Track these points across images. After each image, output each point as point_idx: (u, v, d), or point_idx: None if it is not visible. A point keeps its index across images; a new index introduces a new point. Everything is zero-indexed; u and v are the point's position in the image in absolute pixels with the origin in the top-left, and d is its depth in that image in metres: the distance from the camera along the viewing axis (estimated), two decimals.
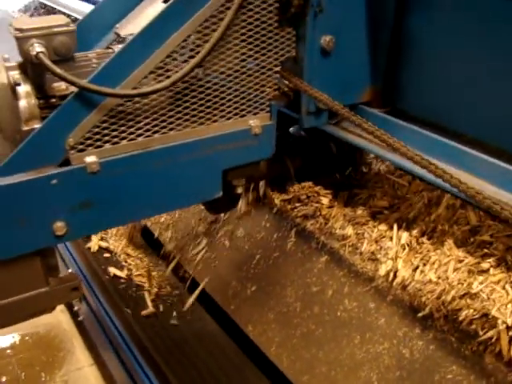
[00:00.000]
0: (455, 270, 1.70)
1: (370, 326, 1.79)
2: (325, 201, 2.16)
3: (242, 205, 2.30)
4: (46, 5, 5.09)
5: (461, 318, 1.59)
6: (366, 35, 1.76)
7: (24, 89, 1.45)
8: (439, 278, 1.71)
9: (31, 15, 5.16)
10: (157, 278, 2.76)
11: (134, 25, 1.98)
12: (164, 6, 1.58)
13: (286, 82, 1.70)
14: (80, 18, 3.67)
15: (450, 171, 1.43)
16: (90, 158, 1.45)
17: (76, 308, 2.90)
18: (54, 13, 4.79)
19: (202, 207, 2.29)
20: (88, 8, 3.87)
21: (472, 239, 1.77)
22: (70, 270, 2.74)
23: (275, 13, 1.60)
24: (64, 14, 4.28)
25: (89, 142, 1.44)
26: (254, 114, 1.69)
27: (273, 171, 2.02)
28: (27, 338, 2.97)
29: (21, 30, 1.39)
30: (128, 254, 2.91)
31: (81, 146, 1.44)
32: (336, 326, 1.86)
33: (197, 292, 2.40)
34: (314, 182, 2.27)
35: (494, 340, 1.52)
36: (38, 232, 1.45)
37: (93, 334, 2.75)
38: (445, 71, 1.72)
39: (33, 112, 1.45)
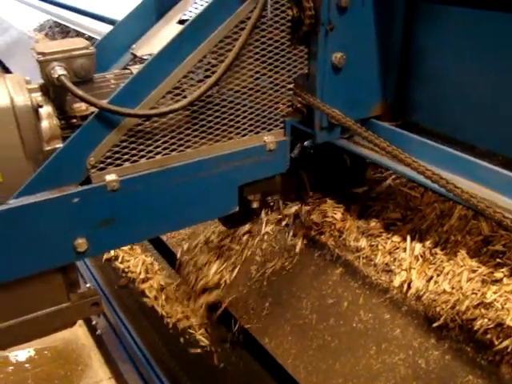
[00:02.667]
0: (469, 279, 1.71)
1: (386, 336, 1.80)
2: (338, 215, 2.18)
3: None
4: (60, 24, 5.18)
5: (476, 328, 1.60)
6: (377, 51, 1.80)
7: (46, 110, 1.50)
8: (453, 288, 1.72)
9: (46, 34, 5.26)
10: (171, 290, 2.78)
11: (149, 45, 2.03)
12: (179, 27, 1.63)
13: (299, 99, 1.74)
14: (94, 36, 3.77)
15: (461, 184, 1.46)
16: (111, 177, 1.49)
17: (94, 322, 2.94)
18: (68, 31, 4.88)
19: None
20: (102, 27, 3.95)
21: (485, 249, 1.78)
22: (88, 285, 2.78)
23: (287, 32, 1.64)
24: (78, 32, 4.36)
25: (109, 160, 1.49)
26: (269, 130, 1.73)
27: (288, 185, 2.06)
28: (45, 352, 3.00)
29: (43, 54, 1.45)
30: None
31: (101, 165, 1.48)
32: (352, 338, 1.88)
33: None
34: (323, 197, 2.29)
35: (509, 350, 1.52)
36: (60, 249, 1.49)
37: (111, 347, 2.78)
38: (454, 84, 1.75)
39: (54, 132, 1.50)
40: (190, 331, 2.45)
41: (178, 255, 2.68)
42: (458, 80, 1.74)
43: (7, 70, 5.13)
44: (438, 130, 1.83)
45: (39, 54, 1.45)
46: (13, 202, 1.38)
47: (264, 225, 2.34)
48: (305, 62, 1.73)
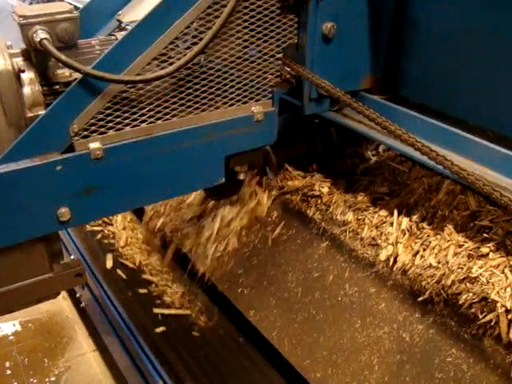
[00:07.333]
0: (455, 254, 1.71)
1: (371, 310, 1.81)
2: (325, 189, 2.17)
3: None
4: None
5: (460, 302, 1.61)
6: (368, 22, 1.77)
7: (28, 75, 1.46)
8: (439, 262, 1.72)
9: (30, 3, 5.13)
10: (156, 263, 2.78)
11: (135, 12, 1.99)
12: None
13: (288, 69, 1.71)
14: (79, 5, 3.68)
15: (450, 158, 1.45)
16: (94, 144, 1.46)
17: (78, 294, 2.93)
18: (54, 1, 4.77)
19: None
20: None
21: (472, 224, 1.78)
22: (72, 257, 2.76)
23: (277, 0, 1.61)
24: (63, 1, 4.26)
25: (93, 128, 1.46)
26: (257, 100, 1.71)
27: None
28: (30, 324, 2.99)
29: (24, 17, 1.40)
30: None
31: (85, 133, 1.45)
32: (337, 311, 1.88)
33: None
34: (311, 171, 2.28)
35: (493, 323, 1.53)
36: (43, 218, 1.47)
37: (95, 320, 2.78)
38: (446, 58, 1.73)
39: (37, 98, 1.46)
40: (175, 304, 2.46)
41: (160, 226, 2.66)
42: (449, 54, 1.72)
43: None
44: (427, 104, 1.82)
45: (21, 17, 1.40)
46: None
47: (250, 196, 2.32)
48: (294, 32, 1.70)
